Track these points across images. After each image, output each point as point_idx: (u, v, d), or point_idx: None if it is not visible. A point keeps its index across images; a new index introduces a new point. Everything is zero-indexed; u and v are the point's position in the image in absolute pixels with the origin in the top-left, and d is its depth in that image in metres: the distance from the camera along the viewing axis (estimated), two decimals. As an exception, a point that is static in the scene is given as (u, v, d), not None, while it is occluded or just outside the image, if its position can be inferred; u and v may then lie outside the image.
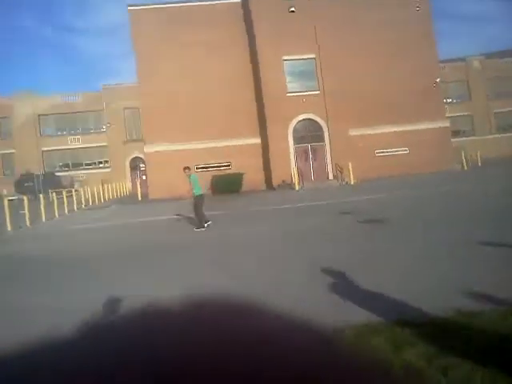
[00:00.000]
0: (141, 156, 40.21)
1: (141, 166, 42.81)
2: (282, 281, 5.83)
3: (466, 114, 47.33)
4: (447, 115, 32.42)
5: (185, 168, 13.19)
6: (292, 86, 28.26)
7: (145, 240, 11.11)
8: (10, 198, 22.82)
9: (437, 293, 4.69)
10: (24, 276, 7.90)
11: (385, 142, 28.95)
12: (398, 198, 15.78)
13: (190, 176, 12.97)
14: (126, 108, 45.33)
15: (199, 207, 12.64)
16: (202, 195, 12.83)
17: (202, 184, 13.31)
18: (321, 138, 28.46)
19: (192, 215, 13.24)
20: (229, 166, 28.68)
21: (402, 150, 29.23)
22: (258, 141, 29.10)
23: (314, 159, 28.44)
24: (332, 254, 7.22)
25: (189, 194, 13.03)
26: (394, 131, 28.99)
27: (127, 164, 46.05)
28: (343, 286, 5.33)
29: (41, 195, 20.67)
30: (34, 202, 22.54)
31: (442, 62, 36.59)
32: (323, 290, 5.18)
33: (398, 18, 28.99)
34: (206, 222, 12.49)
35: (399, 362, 3.08)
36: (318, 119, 28.30)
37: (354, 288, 5.17)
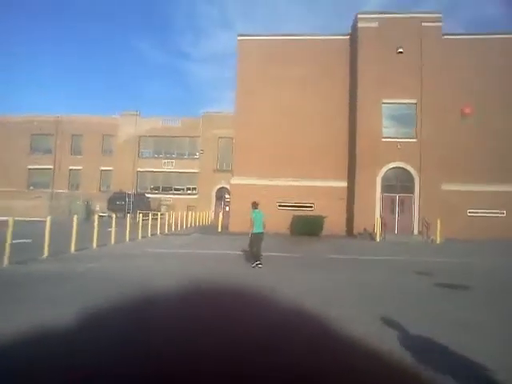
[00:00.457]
0: (227, 186, 41.31)
1: (226, 196, 43.90)
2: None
3: None
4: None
5: (253, 203, 13.33)
6: (388, 131, 27.58)
7: (205, 271, 11.15)
8: (101, 214, 24.38)
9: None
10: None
11: (480, 202, 27.18)
12: (489, 265, 14.61)
13: (252, 212, 13.02)
14: (220, 137, 47.03)
15: (254, 245, 12.77)
16: (259, 234, 12.80)
17: (265, 223, 13.09)
18: (410, 190, 27.35)
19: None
20: (311, 207, 28.43)
21: (499, 213, 27.26)
22: (344, 184, 28.63)
23: (401, 211, 27.35)
24: (397, 318, 6.69)
25: (249, 229, 12.97)
26: (492, 191, 27.13)
27: (213, 193, 47.42)
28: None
29: (128, 215, 21.70)
30: (123, 220, 23.79)
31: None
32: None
33: (513, 66, 27.51)
34: (257, 262, 12.52)
35: None
36: (411, 169, 27.27)
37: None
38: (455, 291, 9.68)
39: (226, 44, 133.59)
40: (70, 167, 50.34)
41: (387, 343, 5.62)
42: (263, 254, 13.09)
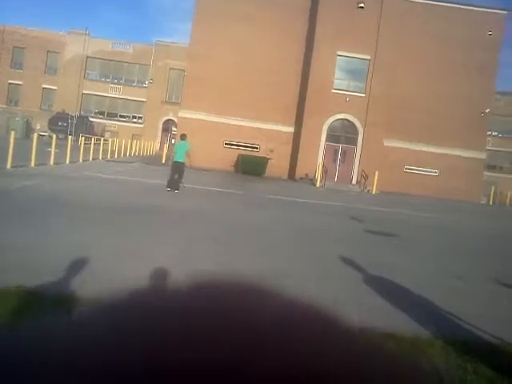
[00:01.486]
0: (174, 119, 40.64)
1: (172, 129, 43.18)
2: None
3: (508, 150, 46.17)
4: (489, 148, 31.81)
5: (181, 135, 14.43)
6: (339, 82, 27.99)
7: (140, 198, 11.30)
8: (42, 133, 23.45)
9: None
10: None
11: (416, 160, 28.65)
12: (416, 217, 15.66)
13: (178, 142, 14.44)
14: (171, 68, 45.64)
15: (172, 172, 13.80)
16: (177, 162, 13.74)
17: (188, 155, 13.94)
18: (353, 141, 28.22)
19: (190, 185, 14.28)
20: (257, 148, 28.72)
21: (432, 172, 28.88)
22: (291, 129, 29.02)
23: (342, 161, 28.27)
24: (331, 255, 7.23)
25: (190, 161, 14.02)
26: (428, 151, 28.63)
27: (160, 124, 46.47)
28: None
29: (70, 138, 21.07)
30: (64, 141, 23.06)
31: (499, 93, 35.62)
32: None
33: (467, 38, 28.24)
34: (169, 187, 13.50)
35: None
36: (356, 122, 28.03)
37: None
38: (382, 237, 10.44)
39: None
40: (10, 81, 47.23)
41: (311, 270, 6.13)
42: (204, 187, 13.32)
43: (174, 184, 13.60)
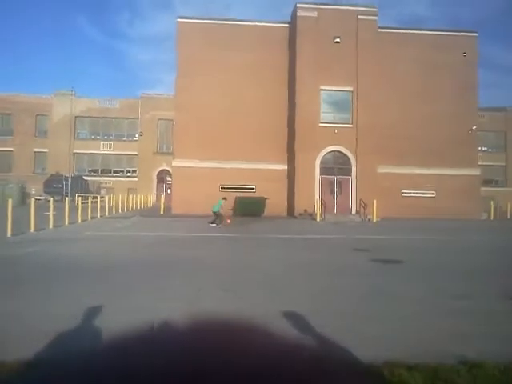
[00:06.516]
0: (168, 169, 40.95)
1: (167, 179, 43.45)
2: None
3: (500, 164, 47.17)
4: (481, 163, 32.38)
5: (223, 198, 21.52)
6: (325, 116, 28.52)
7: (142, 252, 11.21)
8: (38, 197, 23.50)
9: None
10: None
11: (412, 183, 28.94)
12: (419, 241, 15.60)
13: (220, 200, 20.96)
14: (160, 119, 46.37)
15: (217, 217, 20.50)
16: (215, 212, 20.70)
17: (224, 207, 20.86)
18: (348, 172, 28.46)
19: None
20: (253, 189, 28.79)
21: (429, 194, 29.15)
22: (284, 167, 29.23)
23: (339, 192, 28.41)
24: (336, 288, 7.12)
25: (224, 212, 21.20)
26: (423, 173, 29.04)
27: (154, 176, 46.80)
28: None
29: (67, 199, 21.08)
30: (60, 203, 23.06)
31: (482, 109, 36.39)
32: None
33: (443, 61, 29.52)
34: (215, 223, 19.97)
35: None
36: (348, 153, 28.37)
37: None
38: (388, 265, 10.35)
39: (164, 26, 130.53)
40: (1, 148, 47.57)
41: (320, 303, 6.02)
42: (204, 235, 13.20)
43: (213, 221, 20.31)
